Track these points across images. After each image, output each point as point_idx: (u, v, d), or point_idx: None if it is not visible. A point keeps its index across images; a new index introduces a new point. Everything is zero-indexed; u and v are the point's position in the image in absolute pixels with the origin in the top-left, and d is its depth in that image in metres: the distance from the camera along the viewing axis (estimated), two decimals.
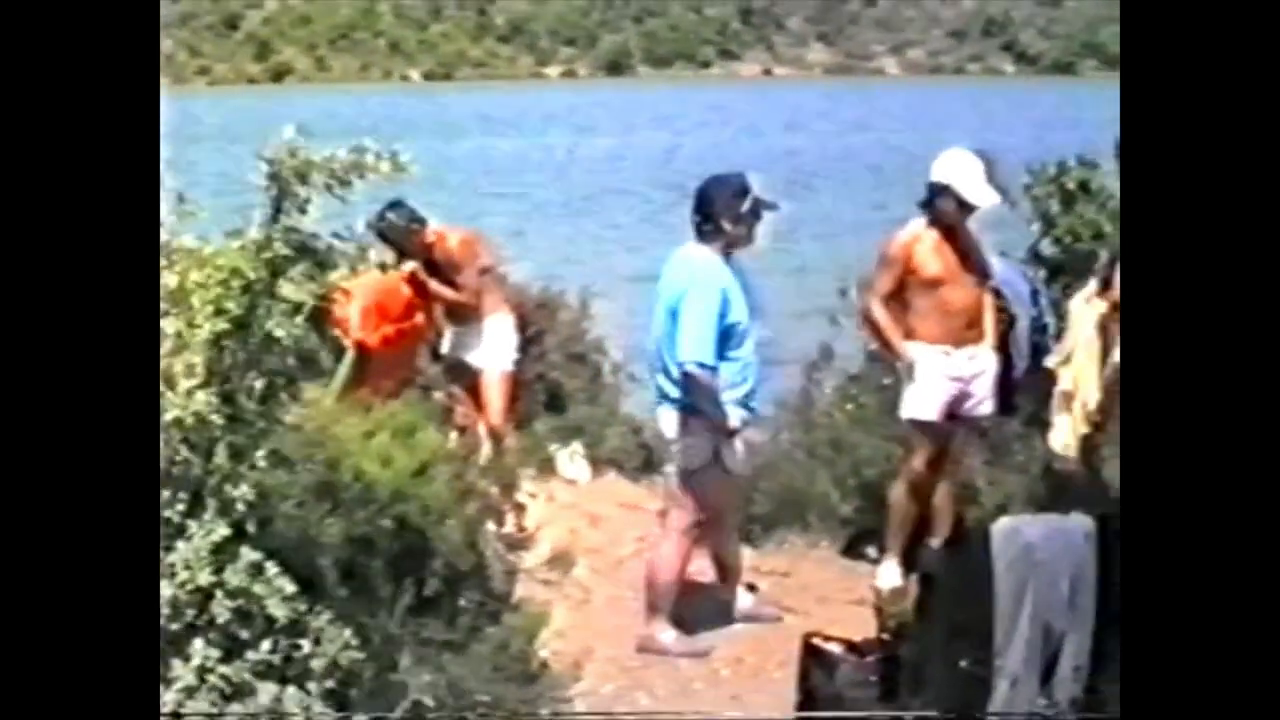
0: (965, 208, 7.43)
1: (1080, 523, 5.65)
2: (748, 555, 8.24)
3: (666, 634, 7.11)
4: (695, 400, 6.81)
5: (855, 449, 8.61)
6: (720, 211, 6.87)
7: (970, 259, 7.54)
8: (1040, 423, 8.05)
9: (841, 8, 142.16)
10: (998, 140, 25.76)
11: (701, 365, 6.73)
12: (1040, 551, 5.42)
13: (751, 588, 7.61)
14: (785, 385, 9.82)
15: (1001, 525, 5.59)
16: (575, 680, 5.69)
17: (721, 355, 6.78)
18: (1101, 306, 7.24)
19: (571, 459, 10.35)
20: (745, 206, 6.90)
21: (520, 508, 6.66)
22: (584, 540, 8.39)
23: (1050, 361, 7.37)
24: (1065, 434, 7.28)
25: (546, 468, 10.05)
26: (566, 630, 6.44)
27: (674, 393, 6.91)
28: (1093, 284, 7.33)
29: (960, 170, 7.43)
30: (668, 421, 7.03)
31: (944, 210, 7.44)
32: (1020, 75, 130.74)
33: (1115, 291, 7.16)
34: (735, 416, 6.87)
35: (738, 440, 6.95)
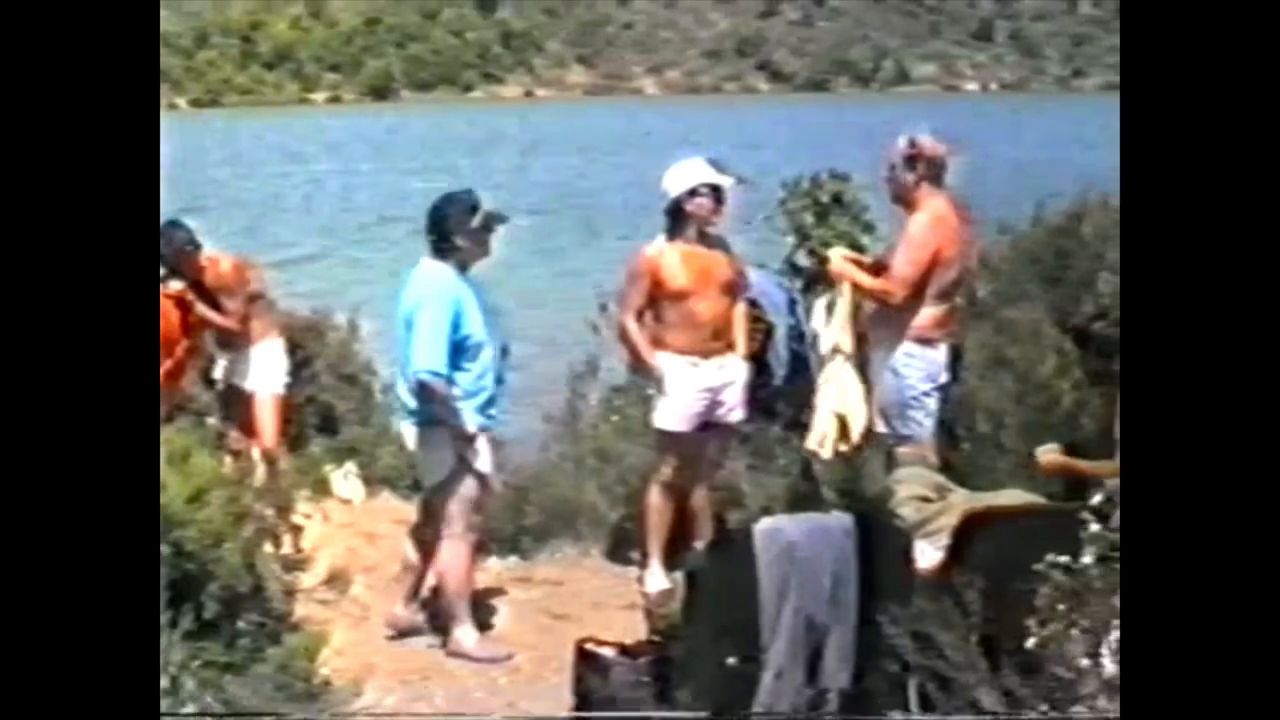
0: (701, 206, 7.64)
1: (839, 520, 5.84)
2: (521, 566, 8.43)
3: (469, 637, 7.23)
4: (432, 409, 7.00)
5: (621, 458, 8.80)
6: (453, 228, 7.06)
7: (715, 271, 7.75)
8: (801, 426, 8.33)
9: (600, 30, 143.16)
10: (755, 157, 26.30)
11: (434, 374, 6.92)
12: (801, 549, 5.59)
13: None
14: (551, 399, 10.05)
15: (763, 525, 5.77)
16: (357, 696, 5.75)
17: (456, 366, 6.98)
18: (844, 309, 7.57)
19: (346, 479, 10.38)
20: (476, 222, 7.10)
21: (297, 529, 6.70)
22: (361, 559, 8.44)
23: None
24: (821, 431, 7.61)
25: (322, 488, 10.05)
26: (346, 648, 6.51)
27: (412, 405, 7.10)
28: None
29: (687, 172, 7.69)
30: (409, 437, 7.25)
31: (685, 218, 7.67)
32: (776, 93, 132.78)
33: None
34: (473, 423, 7.05)
35: (481, 446, 7.12)
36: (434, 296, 6.99)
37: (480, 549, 7.71)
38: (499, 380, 7.29)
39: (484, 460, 7.16)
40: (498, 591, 8.08)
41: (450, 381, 6.98)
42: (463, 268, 7.12)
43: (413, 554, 7.45)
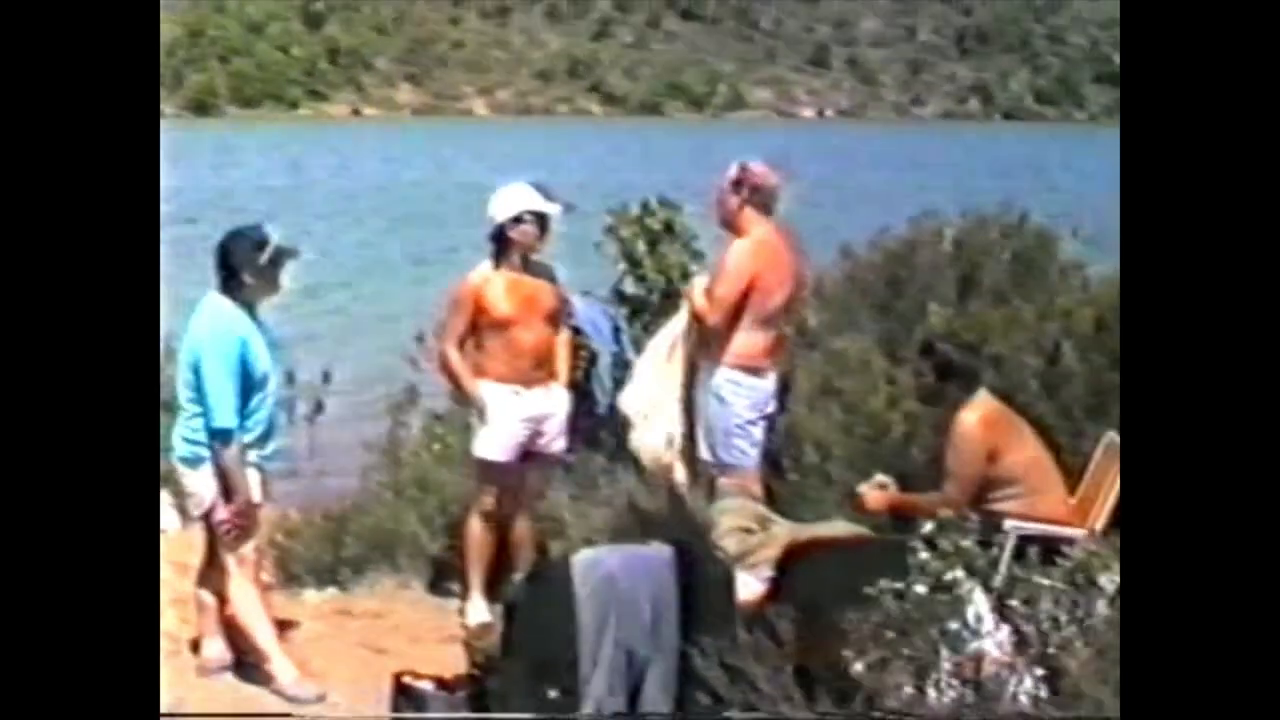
0: (525, 233, 7.56)
1: (659, 550, 5.83)
2: (339, 598, 8.25)
3: (285, 674, 7.01)
4: (217, 454, 6.74)
5: (442, 488, 8.64)
6: (240, 264, 6.78)
7: (540, 299, 7.68)
8: (625, 457, 8.28)
9: (429, 48, 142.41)
10: (589, 180, 26.27)
11: (226, 431, 6.69)
12: (621, 580, 5.57)
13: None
14: (372, 428, 9.89)
15: (582, 556, 5.74)
16: None
17: (245, 404, 6.77)
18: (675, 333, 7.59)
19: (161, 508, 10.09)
20: (265, 258, 6.83)
21: None
22: (172, 589, 8.11)
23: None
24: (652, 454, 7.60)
25: None
26: None
27: (192, 437, 6.83)
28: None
29: (512, 198, 7.60)
30: (183, 473, 6.99)
31: (510, 245, 7.59)
32: (608, 116, 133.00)
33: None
34: (247, 456, 6.82)
35: (248, 476, 6.85)
36: (219, 341, 6.71)
37: (264, 577, 7.48)
38: (285, 409, 7.05)
39: (252, 490, 6.88)
40: (315, 624, 7.88)
41: (239, 429, 6.75)
42: (250, 305, 6.86)
43: (205, 596, 7.20)
